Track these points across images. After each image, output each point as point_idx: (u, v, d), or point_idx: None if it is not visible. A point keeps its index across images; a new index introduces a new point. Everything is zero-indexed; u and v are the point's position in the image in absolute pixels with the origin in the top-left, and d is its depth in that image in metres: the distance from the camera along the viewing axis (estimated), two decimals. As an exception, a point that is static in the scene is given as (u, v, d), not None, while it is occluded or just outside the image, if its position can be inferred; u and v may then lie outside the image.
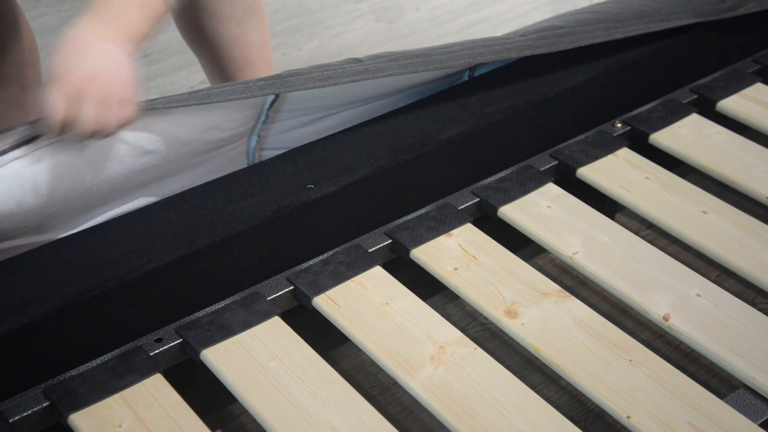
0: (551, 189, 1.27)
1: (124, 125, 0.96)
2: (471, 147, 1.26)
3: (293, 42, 2.18)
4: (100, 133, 0.95)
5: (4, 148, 0.96)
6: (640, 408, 0.97)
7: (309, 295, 1.09)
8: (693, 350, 1.09)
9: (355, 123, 1.25)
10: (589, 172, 1.29)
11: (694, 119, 1.41)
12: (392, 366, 1.01)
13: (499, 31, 2.28)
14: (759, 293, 1.35)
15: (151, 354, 1.01)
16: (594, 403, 1.09)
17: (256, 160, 1.23)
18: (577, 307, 1.09)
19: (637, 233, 1.41)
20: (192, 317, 1.06)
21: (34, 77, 1.38)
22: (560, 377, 1.07)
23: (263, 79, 1.11)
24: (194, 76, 2.05)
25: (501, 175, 1.29)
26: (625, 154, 1.33)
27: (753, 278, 1.14)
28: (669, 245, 1.43)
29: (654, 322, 1.08)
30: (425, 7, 2.36)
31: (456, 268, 1.13)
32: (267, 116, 1.18)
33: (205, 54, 1.56)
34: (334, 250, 1.15)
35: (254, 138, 1.20)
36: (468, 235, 1.19)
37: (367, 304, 1.08)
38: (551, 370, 1.05)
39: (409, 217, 1.21)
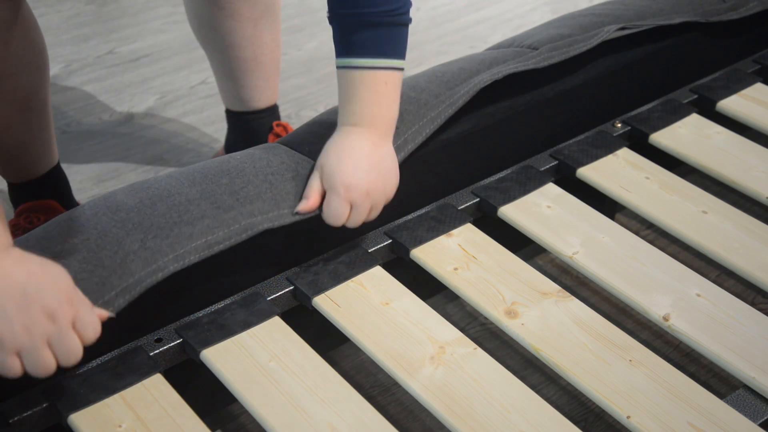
0: (551, 189, 1.27)
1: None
2: (471, 147, 1.26)
3: (293, 42, 2.17)
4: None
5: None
6: (640, 408, 0.97)
7: (309, 295, 1.09)
8: (693, 350, 1.09)
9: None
10: (589, 172, 1.29)
11: (694, 119, 1.41)
12: (392, 366, 1.01)
13: (499, 31, 2.28)
14: (759, 293, 1.35)
15: (151, 354, 1.01)
16: (594, 403, 1.09)
17: None
18: (577, 307, 1.09)
19: (637, 233, 1.41)
20: (192, 317, 1.06)
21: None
22: (560, 377, 1.07)
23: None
24: (194, 76, 2.05)
25: (501, 175, 1.29)
26: (625, 154, 1.33)
27: (753, 278, 1.14)
28: (669, 245, 1.43)
29: (654, 322, 1.08)
30: (425, 7, 2.36)
31: (456, 268, 1.13)
32: None
33: (216, 53, 1.55)
34: (334, 250, 1.15)
35: None
36: (468, 235, 1.19)
37: (367, 304, 1.08)
38: (551, 370, 1.05)
39: (409, 217, 1.21)
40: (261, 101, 1.61)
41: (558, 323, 1.06)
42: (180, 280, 1.03)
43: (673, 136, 1.37)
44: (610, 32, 1.36)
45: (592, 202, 1.27)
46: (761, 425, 0.97)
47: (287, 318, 1.07)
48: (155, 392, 0.97)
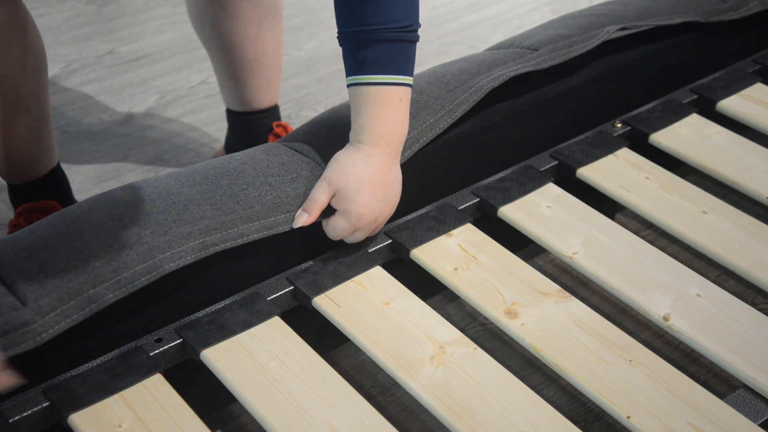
0: (551, 189, 1.27)
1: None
2: (471, 147, 1.26)
3: (293, 42, 2.17)
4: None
5: None
6: (640, 408, 0.97)
7: (309, 295, 1.09)
8: (693, 350, 1.09)
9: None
10: (589, 172, 1.29)
11: (694, 119, 1.41)
12: (392, 366, 1.01)
13: (499, 31, 2.28)
14: (759, 293, 1.35)
15: (151, 354, 1.01)
16: (594, 403, 1.09)
17: None
18: (577, 307, 1.09)
19: (637, 233, 1.41)
20: (192, 317, 1.06)
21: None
22: (560, 377, 1.07)
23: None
24: (194, 76, 2.05)
25: (501, 175, 1.29)
26: (625, 154, 1.33)
27: (753, 278, 1.14)
28: (669, 245, 1.43)
29: (654, 322, 1.08)
30: (425, 7, 2.35)
31: (456, 268, 1.13)
32: None
33: (218, 52, 1.55)
34: (334, 250, 1.15)
35: None
36: (468, 235, 1.19)
37: (367, 304, 1.08)
38: (551, 370, 1.05)
39: (409, 217, 1.21)
40: (262, 101, 1.61)
41: (558, 323, 1.06)
42: (180, 280, 1.04)
43: (673, 136, 1.37)
44: (610, 33, 1.36)
45: (592, 202, 1.27)
46: (761, 425, 0.97)
47: (287, 318, 1.07)
48: (155, 392, 0.97)
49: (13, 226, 1.46)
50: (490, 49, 1.40)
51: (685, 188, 1.27)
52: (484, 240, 1.18)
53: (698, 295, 1.10)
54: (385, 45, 1.06)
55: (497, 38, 2.24)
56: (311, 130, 1.20)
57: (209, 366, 1.01)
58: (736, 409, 0.98)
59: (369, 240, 1.17)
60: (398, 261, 1.19)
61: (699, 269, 1.33)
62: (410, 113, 1.19)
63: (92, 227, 1.01)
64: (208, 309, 1.07)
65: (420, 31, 1.09)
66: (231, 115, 1.64)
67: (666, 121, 1.39)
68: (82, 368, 0.99)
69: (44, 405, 0.95)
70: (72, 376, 0.98)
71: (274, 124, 1.64)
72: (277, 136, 1.63)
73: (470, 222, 1.21)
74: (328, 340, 1.16)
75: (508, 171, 1.30)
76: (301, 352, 1.02)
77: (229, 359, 1.00)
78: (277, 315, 1.06)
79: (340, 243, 1.15)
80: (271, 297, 1.09)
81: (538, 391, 1.16)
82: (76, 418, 0.94)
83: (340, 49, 1.19)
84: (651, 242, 1.28)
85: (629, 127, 1.38)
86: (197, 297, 1.07)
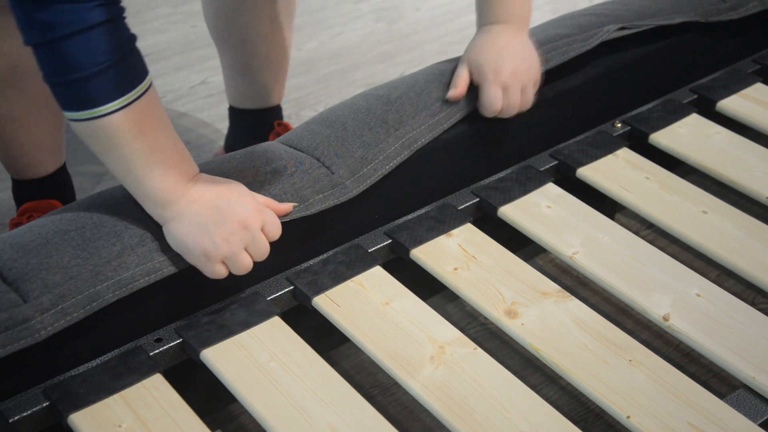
0: (551, 189, 1.27)
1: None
2: (471, 147, 1.26)
3: (293, 42, 2.18)
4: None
5: None
6: (640, 408, 0.97)
7: (309, 295, 1.09)
8: (693, 350, 1.09)
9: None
10: (589, 172, 1.29)
11: (694, 119, 1.41)
12: (392, 366, 1.01)
13: (499, 31, 2.28)
14: (759, 293, 1.35)
15: (151, 354, 1.01)
16: (594, 403, 1.09)
17: None
18: (577, 307, 1.09)
19: (637, 233, 1.41)
20: (192, 317, 1.06)
21: None
22: (560, 377, 1.07)
23: None
24: (194, 76, 2.05)
25: (501, 175, 1.29)
26: (625, 154, 1.33)
27: (753, 278, 1.14)
28: (669, 245, 1.43)
29: (654, 322, 1.08)
30: (425, 7, 2.36)
31: (456, 268, 1.13)
32: None
33: (229, 47, 1.55)
34: (334, 250, 1.15)
35: None
36: (468, 235, 1.19)
37: (367, 304, 1.08)
38: (551, 370, 1.05)
39: (409, 217, 1.21)
40: (267, 100, 1.61)
41: (558, 323, 1.06)
42: (180, 280, 1.03)
43: (673, 136, 1.37)
44: (609, 32, 1.36)
45: (592, 202, 1.27)
46: (761, 425, 0.97)
47: (287, 318, 1.07)
48: (155, 392, 0.97)
49: (15, 225, 1.46)
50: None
51: (685, 188, 1.27)
52: (484, 240, 1.18)
53: (698, 295, 1.10)
54: None
55: (497, 38, 2.24)
56: (310, 128, 1.20)
57: (209, 366, 1.01)
58: (736, 409, 0.98)
59: (369, 240, 1.17)
60: (398, 261, 1.19)
61: (699, 269, 1.33)
62: (410, 114, 1.19)
63: (93, 225, 1.01)
64: (208, 309, 1.07)
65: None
66: (235, 112, 1.64)
67: (666, 121, 1.39)
68: (82, 368, 0.99)
69: (44, 405, 0.95)
70: (72, 376, 0.98)
71: (276, 123, 1.64)
72: (279, 135, 1.63)
73: (470, 222, 1.21)
74: (328, 340, 1.16)
75: (508, 171, 1.30)
76: (301, 352, 1.02)
77: (229, 359, 1.00)
78: (277, 315, 1.06)
79: (340, 243, 1.15)
80: (271, 297, 1.09)
81: (538, 391, 1.16)
82: (76, 418, 0.94)
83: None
84: (651, 242, 1.28)
85: (629, 127, 1.38)
86: (197, 297, 1.07)
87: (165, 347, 1.03)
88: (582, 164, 1.30)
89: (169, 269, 1.01)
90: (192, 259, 1.00)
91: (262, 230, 1.01)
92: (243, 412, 1.18)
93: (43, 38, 0.87)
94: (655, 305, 1.09)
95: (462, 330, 1.17)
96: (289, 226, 1.10)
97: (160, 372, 0.99)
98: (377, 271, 1.13)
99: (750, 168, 1.31)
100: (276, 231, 1.03)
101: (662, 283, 1.12)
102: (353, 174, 1.14)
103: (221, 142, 1.82)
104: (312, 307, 1.09)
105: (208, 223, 0.97)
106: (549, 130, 1.35)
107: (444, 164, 1.24)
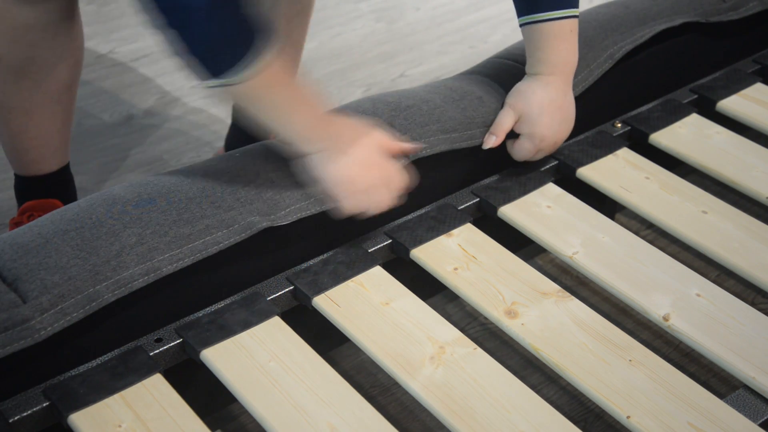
0: (551, 189, 1.27)
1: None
2: (471, 147, 1.26)
3: (293, 42, 2.18)
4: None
5: None
6: (640, 408, 0.97)
7: (309, 295, 1.09)
8: (693, 350, 1.09)
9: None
10: (589, 172, 1.29)
11: (694, 119, 1.41)
12: (392, 366, 1.01)
13: (499, 31, 2.28)
14: (759, 293, 1.35)
15: (151, 354, 1.01)
16: (594, 403, 1.09)
17: None
18: (577, 307, 1.09)
19: (637, 233, 1.41)
20: (192, 317, 1.06)
21: None
22: (560, 377, 1.07)
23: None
24: (194, 76, 2.06)
25: (501, 175, 1.29)
26: (625, 154, 1.33)
27: (753, 278, 1.14)
28: (669, 245, 1.43)
29: (654, 322, 1.08)
30: (425, 7, 2.36)
31: (456, 268, 1.13)
32: None
33: None
34: (334, 250, 1.15)
35: None
36: (468, 235, 1.19)
37: (367, 304, 1.08)
38: (551, 370, 1.05)
39: (409, 217, 1.21)
40: None
41: (558, 323, 1.06)
42: (179, 280, 1.03)
43: (673, 136, 1.37)
44: (622, 50, 1.36)
45: (592, 202, 1.27)
46: (761, 425, 0.97)
47: (287, 318, 1.07)
48: (155, 392, 0.97)
49: (16, 224, 1.46)
50: (496, 56, 1.40)
51: (685, 188, 1.27)
52: (484, 240, 1.18)
53: (698, 295, 1.10)
54: None
55: (497, 38, 2.24)
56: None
57: (209, 366, 1.01)
58: (736, 409, 0.98)
59: (369, 240, 1.17)
60: (398, 261, 1.19)
61: (699, 269, 1.33)
62: (421, 124, 1.20)
63: (92, 225, 1.01)
64: (208, 309, 1.07)
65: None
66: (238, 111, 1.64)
67: (666, 121, 1.39)
68: (82, 368, 0.99)
69: (44, 405, 0.95)
70: (72, 376, 0.98)
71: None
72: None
73: (470, 222, 1.21)
74: (328, 340, 1.16)
75: (508, 171, 1.30)
76: (301, 352, 1.02)
77: (229, 359, 1.00)
78: (277, 315, 1.06)
79: (340, 243, 1.15)
80: (271, 297, 1.09)
81: (538, 391, 1.16)
82: (76, 418, 0.94)
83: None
84: (651, 242, 1.28)
85: (629, 127, 1.38)
86: (197, 297, 1.07)
87: (165, 347, 1.03)
88: (582, 164, 1.30)
89: (168, 269, 1.01)
90: (348, 188, 1.07)
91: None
92: (243, 412, 1.18)
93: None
94: (655, 305, 1.09)
95: (462, 330, 1.17)
96: (289, 226, 1.10)
97: (160, 372, 0.99)
98: (377, 271, 1.13)
99: (750, 168, 1.31)
100: (407, 180, 1.12)
101: (662, 283, 1.12)
102: None
103: (221, 142, 1.82)
104: (312, 307, 1.09)
105: (366, 161, 1.07)
106: (549, 130, 1.35)
107: (444, 164, 1.24)
